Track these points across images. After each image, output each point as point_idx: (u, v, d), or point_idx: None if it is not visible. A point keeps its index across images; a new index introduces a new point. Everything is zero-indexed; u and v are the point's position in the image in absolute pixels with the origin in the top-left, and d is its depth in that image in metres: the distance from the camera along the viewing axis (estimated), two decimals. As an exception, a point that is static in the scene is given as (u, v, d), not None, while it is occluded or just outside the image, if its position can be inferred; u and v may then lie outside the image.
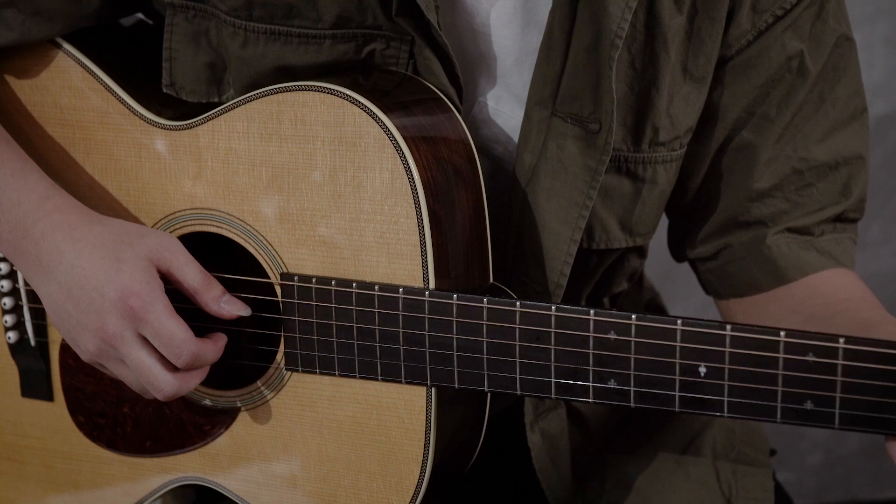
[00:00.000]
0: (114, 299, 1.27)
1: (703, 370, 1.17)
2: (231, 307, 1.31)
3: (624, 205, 1.40)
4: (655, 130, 1.37)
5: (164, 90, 1.38)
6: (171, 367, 1.29)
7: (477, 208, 1.31)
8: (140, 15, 1.50)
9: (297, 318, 1.32)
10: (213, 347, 1.30)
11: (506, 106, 1.38)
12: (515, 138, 1.37)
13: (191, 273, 1.30)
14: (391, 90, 1.30)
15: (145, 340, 1.28)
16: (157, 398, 1.32)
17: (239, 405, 1.38)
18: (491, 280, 1.33)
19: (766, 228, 1.43)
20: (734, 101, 1.40)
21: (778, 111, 1.40)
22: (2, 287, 1.46)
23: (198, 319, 1.31)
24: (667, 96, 1.35)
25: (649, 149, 1.37)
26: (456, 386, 1.27)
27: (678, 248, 1.50)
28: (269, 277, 1.33)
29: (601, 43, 1.29)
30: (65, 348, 1.46)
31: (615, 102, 1.29)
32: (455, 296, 1.25)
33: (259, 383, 1.36)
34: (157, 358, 1.28)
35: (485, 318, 1.24)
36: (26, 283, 1.46)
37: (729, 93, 1.40)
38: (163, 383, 1.28)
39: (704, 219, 1.45)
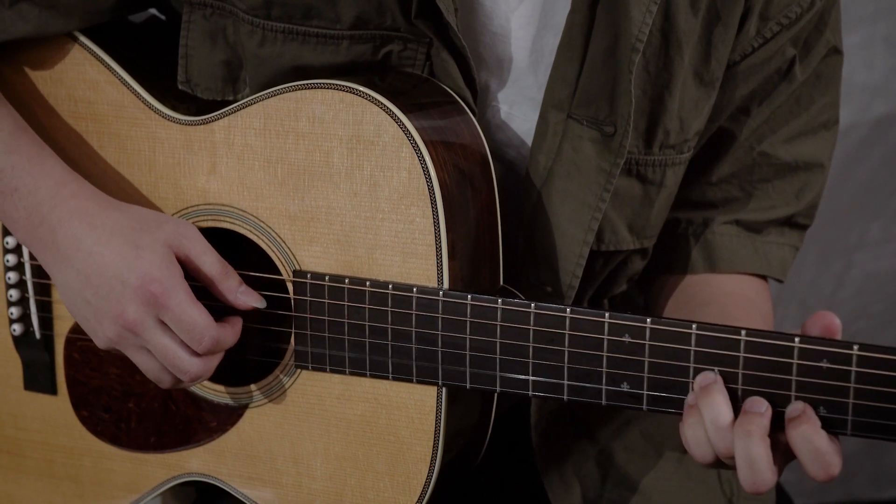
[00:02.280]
0: (134, 286, 1.27)
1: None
2: (247, 298, 1.32)
3: (633, 207, 1.41)
4: (666, 133, 1.38)
5: (180, 87, 1.39)
6: (193, 352, 1.29)
7: (490, 211, 1.31)
8: (153, 10, 1.50)
9: (308, 316, 1.32)
10: (232, 331, 1.31)
11: (519, 109, 1.39)
12: (529, 142, 1.38)
13: (209, 261, 1.30)
14: (408, 91, 1.31)
15: (166, 326, 1.28)
16: (170, 387, 1.33)
17: (252, 398, 1.37)
18: (501, 282, 1.33)
19: (715, 212, 1.48)
20: (730, 104, 1.43)
21: (758, 109, 1.44)
22: (8, 279, 1.46)
23: (210, 310, 1.31)
24: (678, 100, 1.37)
25: (659, 152, 1.39)
26: (468, 386, 1.28)
27: None
28: (281, 274, 1.33)
29: (620, 46, 1.31)
30: (70, 342, 1.46)
31: (633, 105, 1.31)
32: (469, 296, 1.26)
33: (275, 374, 1.36)
34: (178, 343, 1.29)
35: (499, 318, 1.25)
36: (33, 275, 1.45)
37: (728, 96, 1.42)
38: (189, 365, 1.29)
39: None
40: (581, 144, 1.34)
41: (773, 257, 1.50)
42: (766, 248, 1.49)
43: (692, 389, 1.19)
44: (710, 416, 1.16)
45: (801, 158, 1.46)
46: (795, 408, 1.15)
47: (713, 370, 1.18)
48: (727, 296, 1.46)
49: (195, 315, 1.27)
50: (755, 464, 1.15)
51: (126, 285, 1.28)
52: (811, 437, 1.14)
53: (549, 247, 1.36)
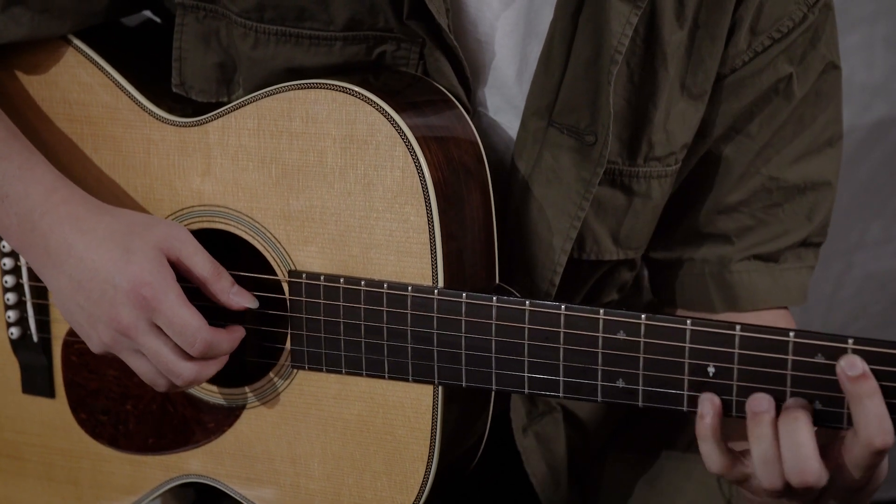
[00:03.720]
0: (126, 290, 1.27)
1: (711, 370, 1.18)
2: (240, 298, 1.32)
3: (617, 217, 1.40)
4: (651, 145, 1.37)
5: (174, 89, 1.39)
6: (187, 356, 1.29)
7: (485, 209, 1.31)
8: (148, 13, 1.51)
9: (304, 316, 1.32)
10: (228, 337, 1.31)
11: (504, 116, 1.38)
12: (511, 149, 1.38)
13: (200, 263, 1.30)
14: (402, 90, 1.31)
15: (159, 330, 1.29)
16: (166, 390, 1.33)
17: (249, 399, 1.38)
18: (497, 281, 1.33)
19: (730, 247, 1.45)
20: (721, 119, 1.41)
21: (759, 130, 1.41)
22: (6, 283, 1.46)
23: (208, 315, 1.31)
24: (664, 112, 1.36)
25: (644, 163, 1.38)
26: (464, 384, 1.28)
27: None
28: (276, 275, 1.33)
29: (601, 57, 1.30)
30: (67, 344, 1.46)
31: (612, 117, 1.30)
32: (464, 294, 1.26)
33: (271, 374, 1.36)
34: (171, 346, 1.29)
35: (494, 317, 1.25)
36: (30, 279, 1.46)
37: (718, 110, 1.41)
38: (182, 369, 1.29)
39: (670, 225, 1.46)
40: (560, 153, 1.33)
41: (792, 284, 1.47)
42: (784, 277, 1.46)
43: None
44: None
45: (809, 179, 1.44)
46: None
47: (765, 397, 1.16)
48: None
49: (187, 317, 1.27)
50: (806, 461, 1.14)
51: (118, 289, 1.28)
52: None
53: (529, 252, 1.36)
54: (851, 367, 1.12)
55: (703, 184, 1.44)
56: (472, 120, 1.36)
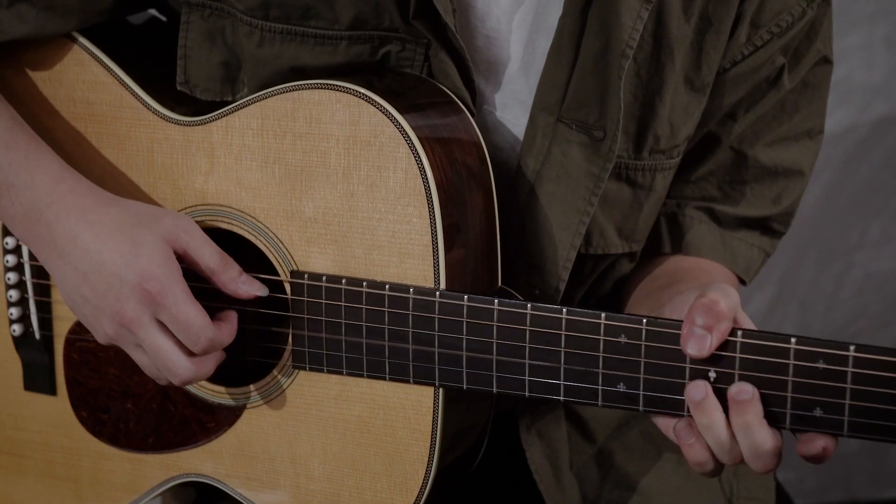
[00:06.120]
0: (132, 283, 1.27)
1: (713, 375, 1.18)
2: (249, 287, 1.32)
3: (622, 211, 1.41)
4: (657, 138, 1.38)
5: (178, 88, 1.39)
6: (188, 352, 1.29)
7: (488, 211, 1.31)
8: (153, 11, 1.51)
9: (306, 316, 1.32)
10: (228, 329, 1.31)
11: (510, 112, 1.39)
12: (519, 146, 1.38)
13: (208, 254, 1.30)
14: (405, 91, 1.31)
15: (162, 325, 1.29)
16: (167, 384, 1.33)
17: (250, 399, 1.38)
18: (499, 283, 1.33)
19: (688, 189, 1.48)
20: (719, 110, 1.43)
21: (744, 115, 1.44)
22: (8, 279, 1.46)
23: (208, 300, 1.31)
24: (669, 105, 1.37)
25: (649, 156, 1.39)
26: (464, 387, 1.28)
27: None
28: (279, 275, 1.33)
29: (611, 51, 1.31)
30: (69, 342, 1.46)
31: (622, 111, 1.31)
32: (466, 297, 1.26)
33: (275, 372, 1.36)
34: (174, 342, 1.29)
35: (495, 319, 1.25)
36: (33, 276, 1.46)
37: (717, 103, 1.42)
38: (180, 368, 1.29)
39: None
40: (570, 148, 1.34)
41: (739, 254, 1.50)
42: (733, 243, 1.49)
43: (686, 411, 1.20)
44: (711, 437, 1.18)
45: (782, 164, 1.47)
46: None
47: (703, 382, 1.18)
48: (686, 271, 1.46)
49: (192, 314, 1.27)
50: (760, 449, 1.17)
51: (124, 283, 1.28)
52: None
53: (537, 249, 1.36)
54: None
55: (683, 159, 1.46)
56: (478, 117, 1.36)
